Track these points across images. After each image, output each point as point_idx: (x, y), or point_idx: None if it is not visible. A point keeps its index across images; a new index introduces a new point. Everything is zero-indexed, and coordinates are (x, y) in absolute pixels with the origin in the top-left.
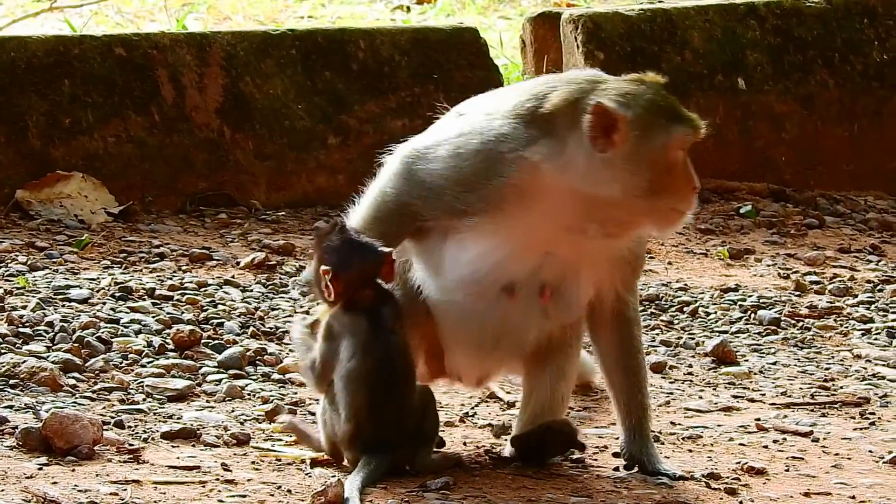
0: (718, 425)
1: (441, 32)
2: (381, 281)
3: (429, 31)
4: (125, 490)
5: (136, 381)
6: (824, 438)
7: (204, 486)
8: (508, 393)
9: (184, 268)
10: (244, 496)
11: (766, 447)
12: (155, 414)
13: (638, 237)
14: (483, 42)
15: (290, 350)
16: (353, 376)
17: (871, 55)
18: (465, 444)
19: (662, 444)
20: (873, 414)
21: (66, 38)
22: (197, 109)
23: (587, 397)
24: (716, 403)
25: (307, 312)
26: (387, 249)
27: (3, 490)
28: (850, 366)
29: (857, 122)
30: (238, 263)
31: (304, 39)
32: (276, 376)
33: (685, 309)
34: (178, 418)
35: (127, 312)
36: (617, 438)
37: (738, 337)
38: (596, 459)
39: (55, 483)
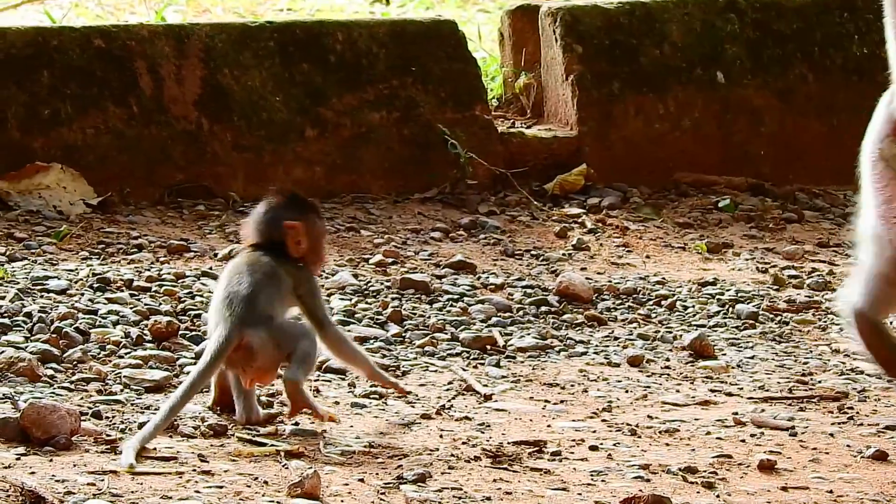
0: (696, 419)
1: (419, 25)
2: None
3: (407, 24)
4: (102, 480)
5: (113, 371)
6: (802, 433)
7: (181, 477)
8: (485, 386)
9: (161, 259)
10: (221, 487)
11: (743, 441)
12: (132, 405)
13: None
14: (461, 35)
15: None
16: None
17: (850, 49)
18: (441, 436)
19: (640, 437)
20: (851, 408)
21: (46, 30)
22: (175, 101)
23: (564, 391)
24: (693, 397)
25: None
26: (290, 224)
27: None
28: (829, 360)
29: (836, 117)
30: (216, 255)
31: (283, 31)
32: None
33: (663, 303)
34: (156, 409)
35: (105, 303)
36: (594, 432)
37: (715, 331)
38: (573, 453)
39: (33, 473)
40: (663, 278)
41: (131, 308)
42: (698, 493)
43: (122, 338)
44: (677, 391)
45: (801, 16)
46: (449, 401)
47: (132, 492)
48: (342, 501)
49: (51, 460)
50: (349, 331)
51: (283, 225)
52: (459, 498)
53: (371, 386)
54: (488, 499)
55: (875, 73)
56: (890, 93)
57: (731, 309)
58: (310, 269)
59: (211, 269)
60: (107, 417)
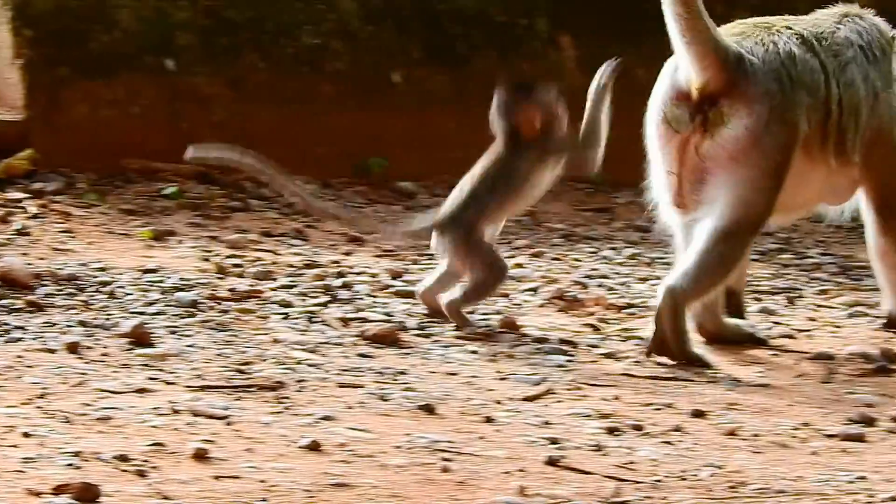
0: (131, 407)
1: None
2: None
3: None
4: None
5: None
6: (238, 422)
7: None
8: None
9: None
10: None
11: (177, 430)
12: None
13: None
14: None
15: None
16: None
17: (301, 38)
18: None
19: (74, 424)
20: (288, 398)
21: None
22: None
23: None
24: (130, 385)
25: None
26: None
27: None
28: (268, 349)
29: (287, 105)
30: None
31: None
32: None
33: (103, 289)
34: None
35: None
36: (27, 418)
37: (155, 318)
38: (4, 439)
39: None
40: (105, 265)
41: None
42: (130, 480)
43: None
44: (114, 379)
45: (254, 4)
46: None
47: None
48: None
49: None
50: None
51: (516, 114)
52: None
53: None
54: None
55: (324, 62)
56: (673, 61)
57: (171, 296)
58: (553, 144)
59: None
60: None
